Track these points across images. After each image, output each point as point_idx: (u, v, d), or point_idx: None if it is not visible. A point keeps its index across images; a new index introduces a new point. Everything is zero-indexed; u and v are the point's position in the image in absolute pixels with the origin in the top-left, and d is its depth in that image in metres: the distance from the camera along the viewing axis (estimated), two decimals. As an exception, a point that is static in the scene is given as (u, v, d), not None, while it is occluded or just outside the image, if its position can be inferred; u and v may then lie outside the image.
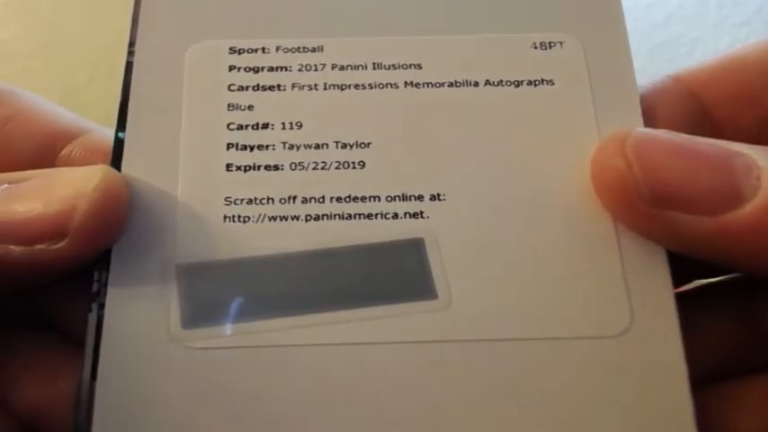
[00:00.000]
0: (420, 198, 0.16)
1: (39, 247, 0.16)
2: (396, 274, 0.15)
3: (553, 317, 0.15)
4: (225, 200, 0.16)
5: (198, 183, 0.17)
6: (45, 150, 0.19)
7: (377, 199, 0.16)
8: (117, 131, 0.17)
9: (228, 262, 0.16)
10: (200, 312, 0.15)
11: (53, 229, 0.16)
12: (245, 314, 0.15)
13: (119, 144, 0.17)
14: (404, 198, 0.16)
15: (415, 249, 0.15)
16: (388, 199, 0.16)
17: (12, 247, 0.16)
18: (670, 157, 0.13)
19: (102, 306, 0.16)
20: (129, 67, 0.18)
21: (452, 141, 0.17)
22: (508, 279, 0.15)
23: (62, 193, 0.16)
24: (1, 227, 0.16)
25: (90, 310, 0.16)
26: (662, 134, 0.14)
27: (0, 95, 0.20)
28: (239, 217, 0.16)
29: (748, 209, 0.13)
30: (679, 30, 0.51)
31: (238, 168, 0.17)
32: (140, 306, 0.16)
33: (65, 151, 0.19)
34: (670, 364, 0.15)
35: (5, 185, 0.16)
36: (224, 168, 0.17)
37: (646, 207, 0.14)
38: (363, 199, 0.16)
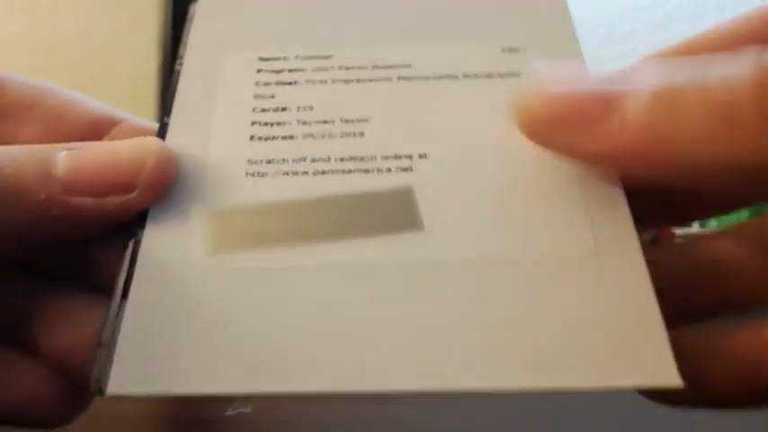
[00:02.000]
0: (409, 157, 0.19)
1: (111, 198, 0.19)
2: (388, 212, 0.19)
3: (523, 241, 0.18)
4: (247, 161, 0.20)
5: (226, 150, 0.20)
6: (93, 133, 0.23)
7: (373, 158, 0.19)
8: (163, 117, 0.22)
9: (248, 206, 0.19)
10: (224, 242, 0.18)
11: (126, 182, 0.20)
12: (261, 244, 0.18)
13: (163, 126, 0.21)
14: (396, 157, 0.19)
15: (404, 193, 0.19)
16: (383, 158, 0.19)
17: (86, 198, 0.19)
18: (556, 99, 0.17)
19: (138, 242, 0.19)
20: (177, 73, 0.23)
21: (436, 116, 0.20)
22: (482, 213, 0.18)
23: (130, 153, 0.20)
24: (76, 181, 0.19)
25: (126, 247, 0.19)
26: (549, 83, 0.18)
27: (49, 88, 0.23)
28: (259, 173, 0.20)
29: (618, 125, 0.16)
30: (679, 30, 0.51)
31: (260, 139, 0.20)
32: (172, 238, 0.19)
33: (111, 135, 0.23)
34: (637, 281, 0.16)
35: (65, 151, 0.20)
36: (248, 139, 0.20)
37: (550, 135, 0.18)
38: (362, 158, 0.19)
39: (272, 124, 0.21)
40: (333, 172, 0.19)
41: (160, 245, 0.19)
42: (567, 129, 0.17)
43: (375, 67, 0.22)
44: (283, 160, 0.20)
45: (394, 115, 0.20)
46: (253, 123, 0.21)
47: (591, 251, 0.17)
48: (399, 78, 0.21)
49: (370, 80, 0.21)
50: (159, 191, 0.20)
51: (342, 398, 0.18)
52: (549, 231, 0.18)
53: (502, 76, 0.21)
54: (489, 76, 0.21)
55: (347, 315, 0.16)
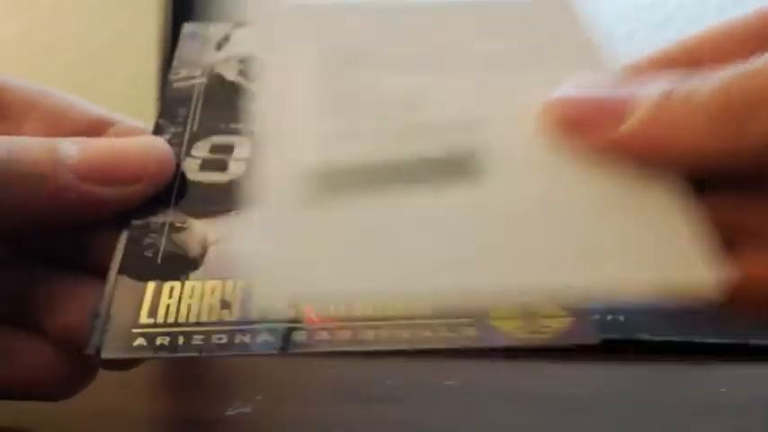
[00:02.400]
0: (470, 122, 0.20)
1: (119, 187, 0.22)
2: (454, 165, 0.20)
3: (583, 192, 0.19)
4: (324, 132, 0.20)
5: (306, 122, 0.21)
6: (90, 133, 0.24)
7: (438, 125, 0.20)
8: (158, 118, 0.25)
9: (336, 164, 0.20)
10: (320, 191, 0.19)
11: (133, 175, 0.22)
12: (351, 192, 0.19)
13: (158, 127, 0.24)
14: (459, 123, 0.20)
15: (467, 155, 0.20)
16: (445, 124, 0.20)
17: (97, 187, 0.21)
18: (572, 105, 0.20)
19: (132, 227, 0.22)
20: (170, 83, 0.26)
21: (496, 88, 0.21)
22: (540, 163, 0.20)
23: (137, 149, 0.23)
24: (89, 171, 0.21)
25: (121, 232, 0.22)
26: (568, 90, 0.20)
27: (47, 91, 0.25)
28: (333, 143, 0.20)
29: (624, 128, 0.18)
30: (679, 30, 0.51)
31: (333, 113, 0.21)
32: (276, 191, 0.19)
33: (106, 135, 0.24)
34: (681, 206, 0.18)
35: (76, 146, 0.22)
36: (323, 113, 0.21)
37: (571, 134, 0.20)
38: (428, 125, 0.20)
39: (342, 100, 0.21)
40: (407, 133, 0.21)
41: (268, 197, 0.19)
42: (581, 130, 0.19)
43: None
44: (356, 132, 0.20)
45: (464, 93, 0.21)
46: (324, 100, 0.21)
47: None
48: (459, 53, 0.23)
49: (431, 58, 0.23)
50: (161, 184, 0.23)
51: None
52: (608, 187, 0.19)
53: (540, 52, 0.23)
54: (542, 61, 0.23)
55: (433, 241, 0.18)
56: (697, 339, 0.32)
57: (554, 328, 0.21)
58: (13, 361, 0.23)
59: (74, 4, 0.61)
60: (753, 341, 0.32)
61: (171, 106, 0.26)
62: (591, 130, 0.20)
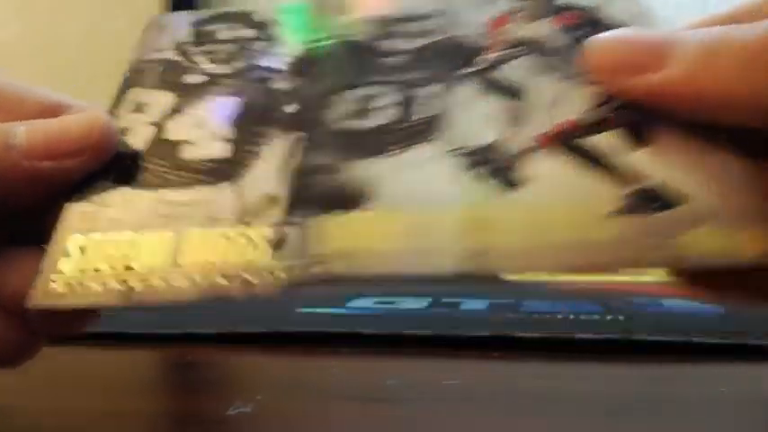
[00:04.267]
0: None
1: (65, 161, 0.24)
2: None
3: None
4: None
5: None
6: (44, 116, 0.25)
7: None
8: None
9: None
10: None
11: (77, 148, 0.24)
12: None
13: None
14: None
15: None
16: None
17: (45, 162, 0.24)
18: (616, 43, 0.22)
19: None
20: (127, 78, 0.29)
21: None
22: None
23: (79, 123, 0.25)
24: (35, 149, 0.23)
25: (65, 206, 0.24)
26: (616, 31, 0.22)
27: (4, 81, 0.27)
28: None
29: (668, 69, 0.20)
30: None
31: None
32: None
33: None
34: None
35: (23, 127, 0.24)
36: None
37: (607, 76, 0.22)
38: None
39: None
40: None
41: None
42: (625, 72, 0.21)
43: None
44: None
45: None
46: None
47: None
48: None
49: None
50: (105, 154, 0.25)
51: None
52: None
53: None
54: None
55: None
56: (697, 339, 0.32)
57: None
58: None
59: (74, 5, 0.61)
60: (753, 341, 0.32)
61: (304, 65, 0.28)
62: (634, 72, 0.20)
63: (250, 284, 0.22)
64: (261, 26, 0.32)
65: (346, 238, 0.22)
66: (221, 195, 0.25)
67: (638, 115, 0.22)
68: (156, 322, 0.37)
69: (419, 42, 0.28)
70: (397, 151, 0.24)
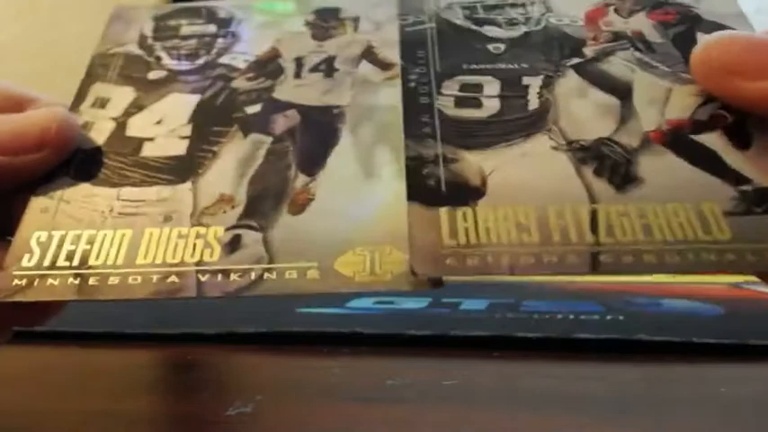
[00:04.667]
0: None
1: (23, 156, 0.24)
2: None
3: None
4: None
5: None
6: (11, 110, 0.26)
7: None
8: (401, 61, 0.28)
9: None
10: None
11: (35, 143, 0.24)
12: None
13: (403, 69, 0.27)
14: None
15: None
16: None
17: (3, 158, 0.24)
18: (737, 44, 0.21)
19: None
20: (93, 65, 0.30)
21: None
22: None
23: (38, 119, 0.25)
24: None
25: (29, 198, 0.25)
26: (735, 32, 0.23)
27: None
28: None
29: None
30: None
31: None
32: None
33: (26, 112, 0.26)
34: None
35: None
36: None
37: (718, 76, 0.21)
38: None
39: None
40: None
41: None
42: (739, 75, 0.21)
43: None
44: None
45: None
46: None
47: None
48: None
49: None
50: (65, 150, 0.25)
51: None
52: None
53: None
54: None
55: None
56: (697, 339, 0.32)
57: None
58: None
59: (74, 7, 0.61)
60: (753, 341, 0.32)
61: (409, 49, 0.28)
62: (748, 74, 0.20)
63: (202, 284, 0.22)
64: (224, 23, 0.31)
65: (465, 233, 0.22)
66: (178, 194, 0.25)
67: (743, 116, 0.22)
68: (156, 322, 0.37)
69: (521, 30, 0.28)
70: (511, 143, 0.24)
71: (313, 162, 0.25)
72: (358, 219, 0.23)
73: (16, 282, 0.23)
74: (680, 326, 0.35)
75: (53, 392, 0.30)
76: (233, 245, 0.23)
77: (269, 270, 0.22)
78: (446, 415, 0.27)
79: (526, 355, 0.33)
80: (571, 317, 0.37)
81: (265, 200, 0.24)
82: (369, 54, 0.29)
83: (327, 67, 0.29)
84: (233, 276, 0.22)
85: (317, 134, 0.26)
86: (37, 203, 0.25)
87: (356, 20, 0.30)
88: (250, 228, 0.23)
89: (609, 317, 0.37)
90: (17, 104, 0.26)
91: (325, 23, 0.30)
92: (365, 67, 0.28)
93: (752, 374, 0.30)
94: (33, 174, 0.25)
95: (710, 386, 0.29)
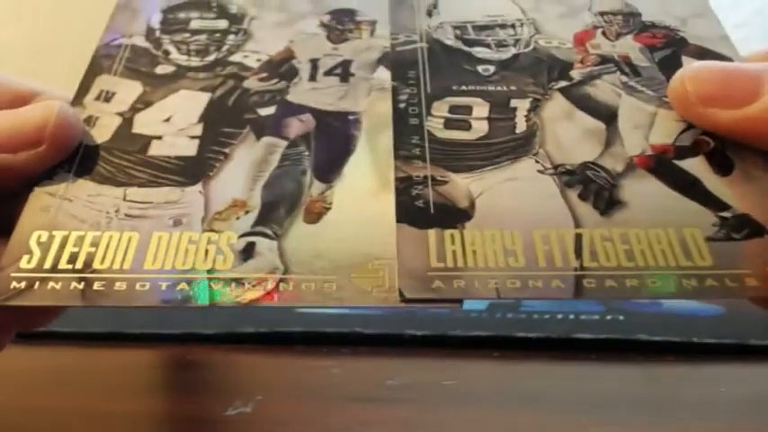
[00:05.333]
0: None
1: (22, 153, 0.23)
2: None
3: None
4: None
5: None
6: (17, 104, 0.25)
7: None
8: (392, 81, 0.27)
9: None
10: None
11: (33, 139, 0.24)
12: None
13: (394, 89, 0.27)
14: None
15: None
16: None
17: (1, 155, 0.23)
18: (711, 75, 0.22)
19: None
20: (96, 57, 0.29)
21: None
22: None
23: (35, 114, 0.24)
24: None
25: (27, 196, 0.24)
26: (709, 63, 0.23)
27: None
28: None
29: (760, 103, 0.20)
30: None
31: None
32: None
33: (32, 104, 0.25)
34: None
35: None
36: None
37: (694, 107, 0.22)
38: None
39: None
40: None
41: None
42: (713, 106, 0.21)
43: None
44: None
45: None
46: None
47: None
48: None
49: None
50: (65, 144, 0.24)
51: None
52: None
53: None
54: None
55: None
56: (697, 339, 0.32)
57: None
58: None
59: (74, 5, 0.61)
60: (753, 341, 0.32)
61: (400, 68, 0.28)
62: (723, 104, 0.21)
63: (215, 293, 0.21)
64: (236, 19, 0.30)
65: (453, 256, 0.22)
66: (188, 197, 0.24)
67: (722, 143, 0.23)
68: (156, 322, 0.37)
69: (510, 52, 0.28)
70: (499, 166, 0.24)
71: (329, 169, 0.24)
72: (375, 230, 0.22)
73: (14, 284, 0.22)
74: (680, 326, 0.35)
75: (53, 392, 0.30)
76: (247, 252, 0.22)
77: (284, 281, 0.22)
78: (446, 415, 0.27)
79: (526, 355, 0.33)
80: (571, 317, 0.37)
81: (280, 206, 0.23)
82: (386, 60, 0.28)
83: (343, 72, 0.28)
84: (247, 286, 0.21)
85: (332, 140, 0.26)
86: (37, 201, 0.24)
87: (373, 23, 0.30)
88: (265, 235, 0.23)
89: (609, 317, 0.37)
90: (19, 99, 0.26)
91: (341, 26, 0.30)
92: (382, 74, 0.28)
93: (752, 374, 0.30)
94: (31, 171, 0.24)
95: (710, 386, 0.29)
